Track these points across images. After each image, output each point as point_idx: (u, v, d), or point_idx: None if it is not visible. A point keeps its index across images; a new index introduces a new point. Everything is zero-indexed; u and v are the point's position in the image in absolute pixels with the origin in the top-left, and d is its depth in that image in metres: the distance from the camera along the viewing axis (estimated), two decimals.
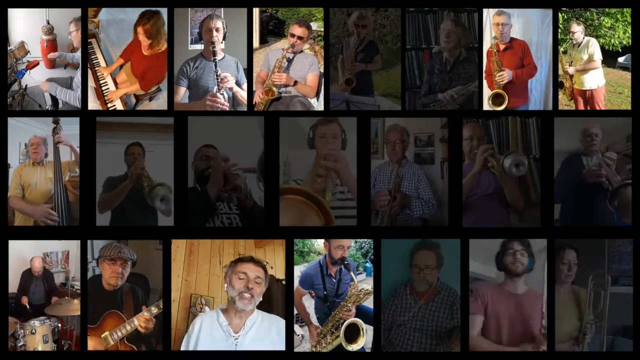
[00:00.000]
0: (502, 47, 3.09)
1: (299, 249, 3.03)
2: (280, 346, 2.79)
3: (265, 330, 2.73)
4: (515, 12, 3.06)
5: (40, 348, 2.87)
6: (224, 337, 2.66)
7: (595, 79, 3.07)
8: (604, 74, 3.08)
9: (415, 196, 3.03)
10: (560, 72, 3.08)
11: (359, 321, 2.85)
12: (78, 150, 3.00)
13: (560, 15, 3.04)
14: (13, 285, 3.01)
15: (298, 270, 3.03)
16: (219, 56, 3.06)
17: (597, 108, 3.08)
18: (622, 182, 2.83)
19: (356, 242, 3.00)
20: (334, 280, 2.98)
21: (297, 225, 2.80)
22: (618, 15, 3.03)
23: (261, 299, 2.73)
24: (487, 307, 2.83)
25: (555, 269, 2.86)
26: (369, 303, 2.91)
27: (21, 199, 3.03)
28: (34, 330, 2.87)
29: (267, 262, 2.83)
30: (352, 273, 2.89)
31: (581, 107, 3.11)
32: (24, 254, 3.05)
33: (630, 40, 3.01)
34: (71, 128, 3.01)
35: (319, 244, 3.02)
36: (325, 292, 2.97)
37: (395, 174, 3.03)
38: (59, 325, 2.97)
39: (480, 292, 2.86)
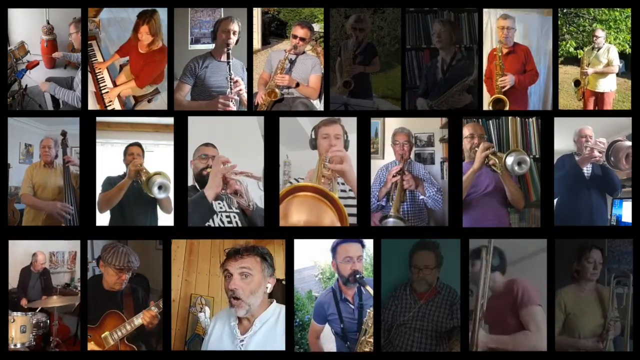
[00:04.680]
0: (505, 51, 3.08)
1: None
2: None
3: (280, 328, 2.38)
4: (515, 17, 3.05)
5: (15, 337, 2.86)
6: (231, 339, 2.35)
7: (609, 84, 3.10)
8: None
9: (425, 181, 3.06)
10: (562, 70, 3.07)
11: None
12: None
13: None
14: (13, 282, 3.03)
15: None
16: (232, 59, 3.05)
17: (606, 109, 3.09)
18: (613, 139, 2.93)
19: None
20: (352, 307, 2.59)
21: (314, 222, 2.52)
22: (611, 23, 3.06)
23: (261, 297, 2.32)
24: None
25: (581, 267, 2.89)
26: None
27: (32, 196, 3.05)
28: (13, 320, 2.89)
29: (255, 245, 2.41)
30: (368, 288, 2.48)
31: (591, 106, 3.11)
32: (30, 251, 3.06)
33: (620, 47, 3.06)
34: (71, 128, 3.01)
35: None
36: (342, 326, 2.57)
37: (403, 163, 3.05)
38: (47, 320, 2.96)
39: None
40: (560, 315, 2.88)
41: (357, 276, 2.54)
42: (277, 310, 2.40)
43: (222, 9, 3.10)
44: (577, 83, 3.10)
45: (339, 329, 2.59)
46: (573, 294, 2.89)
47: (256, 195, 2.93)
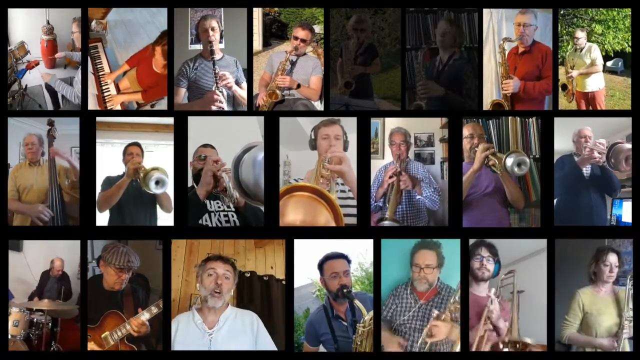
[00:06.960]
0: (520, 49, 3.03)
1: None
2: (252, 341, 2.68)
3: (239, 326, 2.72)
4: (537, 12, 2.97)
5: (9, 329, 2.88)
6: (200, 334, 2.67)
7: (597, 82, 3.09)
8: None
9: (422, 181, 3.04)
10: (562, 73, 3.08)
11: None
12: (76, 163, 2.99)
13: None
14: (34, 283, 3.04)
15: None
16: (218, 55, 3.07)
17: (599, 108, 3.08)
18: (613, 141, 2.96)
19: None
20: (345, 324, 2.53)
21: (309, 222, 2.57)
22: (609, 23, 3.05)
23: (231, 294, 2.75)
24: None
25: (598, 269, 2.90)
26: None
27: (17, 201, 3.02)
28: (10, 312, 2.89)
29: (235, 260, 2.80)
30: (357, 303, 2.44)
31: (583, 107, 3.10)
32: (55, 255, 3.04)
33: (620, 46, 3.05)
34: (71, 128, 3.00)
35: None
36: (336, 346, 2.48)
37: (400, 163, 3.03)
38: (47, 322, 2.92)
39: None
40: (579, 313, 2.90)
41: (345, 290, 2.53)
42: (234, 311, 2.77)
43: (221, 9, 3.10)
44: (564, 87, 3.08)
45: (333, 349, 2.55)
46: (591, 294, 2.91)
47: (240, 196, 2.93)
